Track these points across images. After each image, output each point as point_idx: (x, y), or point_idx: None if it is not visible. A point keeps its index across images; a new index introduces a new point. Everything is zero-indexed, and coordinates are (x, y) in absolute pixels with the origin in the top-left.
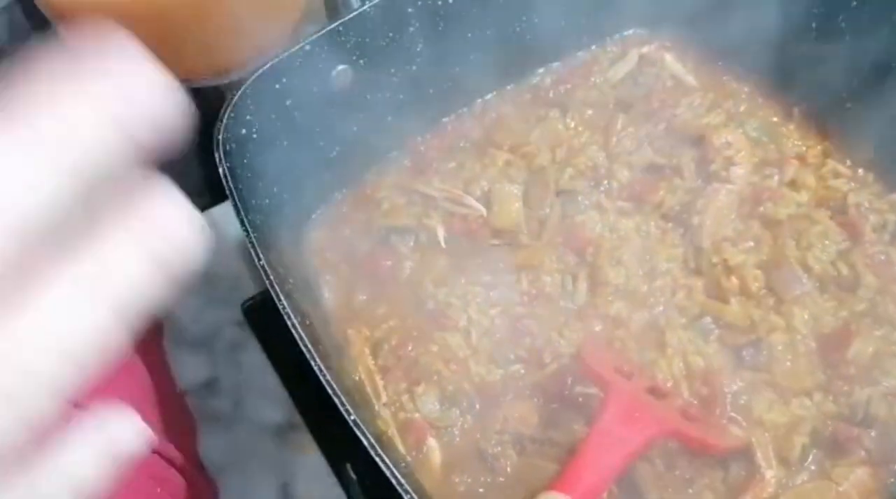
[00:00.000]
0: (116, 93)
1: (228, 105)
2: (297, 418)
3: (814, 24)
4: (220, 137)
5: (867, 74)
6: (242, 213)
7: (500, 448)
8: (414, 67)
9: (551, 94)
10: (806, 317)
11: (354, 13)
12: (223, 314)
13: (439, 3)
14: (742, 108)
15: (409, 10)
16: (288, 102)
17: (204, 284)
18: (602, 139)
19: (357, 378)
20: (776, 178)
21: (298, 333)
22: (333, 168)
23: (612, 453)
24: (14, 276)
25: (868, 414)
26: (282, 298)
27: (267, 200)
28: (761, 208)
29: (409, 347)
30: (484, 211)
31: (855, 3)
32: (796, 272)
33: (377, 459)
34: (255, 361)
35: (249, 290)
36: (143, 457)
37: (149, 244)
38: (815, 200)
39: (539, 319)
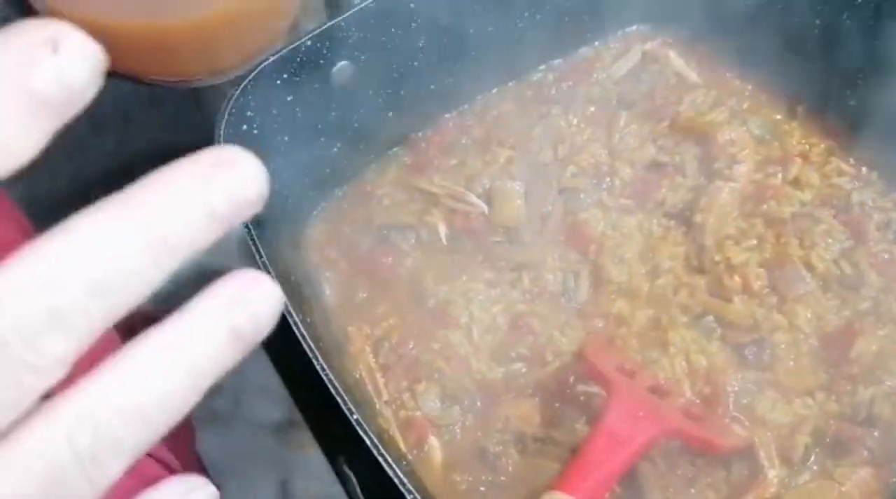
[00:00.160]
0: (212, 175)
1: (229, 101)
2: (297, 416)
3: (818, 21)
4: (221, 133)
5: (871, 72)
6: None
7: (501, 447)
8: (415, 63)
9: (553, 91)
10: (809, 316)
11: (356, 9)
12: None
13: None
14: (745, 106)
15: (411, 5)
16: (289, 98)
17: (202, 281)
18: (604, 136)
19: (357, 376)
20: (779, 176)
21: (300, 331)
22: (334, 164)
23: (616, 452)
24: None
25: (871, 414)
26: (283, 295)
27: (267, 197)
28: (764, 207)
29: (410, 345)
30: (485, 208)
31: (859, 0)
32: (799, 271)
33: (380, 458)
34: (254, 359)
35: None
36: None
37: (232, 318)
38: (819, 198)
39: (541, 317)
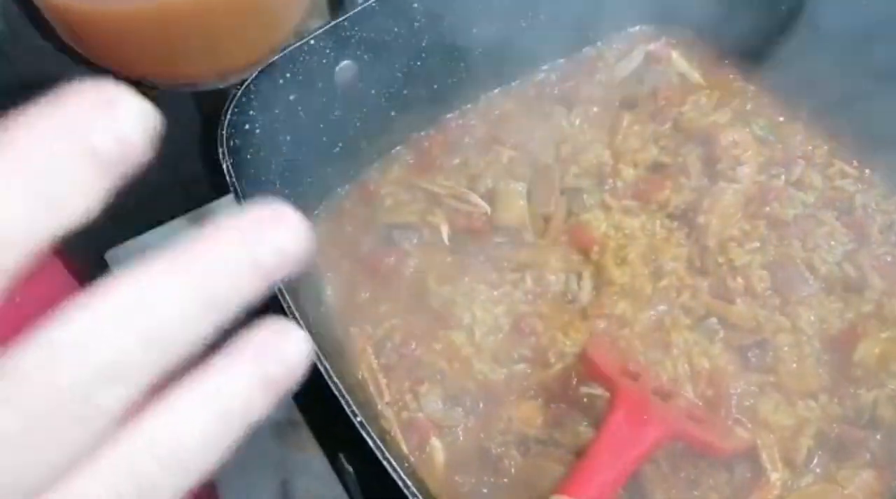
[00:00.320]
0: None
1: (232, 100)
2: (297, 416)
3: (822, 23)
4: (224, 132)
5: (875, 74)
6: None
7: (503, 449)
8: (418, 63)
9: (556, 91)
10: (812, 318)
11: (359, 8)
12: None
13: None
14: (749, 107)
15: (415, 4)
16: (291, 97)
17: None
18: (607, 137)
19: (360, 377)
20: (783, 177)
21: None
22: (336, 164)
23: (621, 456)
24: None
25: (874, 416)
26: (286, 296)
27: (269, 196)
28: (767, 208)
29: (413, 346)
30: (488, 209)
31: (865, 1)
32: (802, 273)
33: (384, 462)
34: None
35: None
36: None
37: (265, 367)
38: (822, 200)
39: (543, 318)
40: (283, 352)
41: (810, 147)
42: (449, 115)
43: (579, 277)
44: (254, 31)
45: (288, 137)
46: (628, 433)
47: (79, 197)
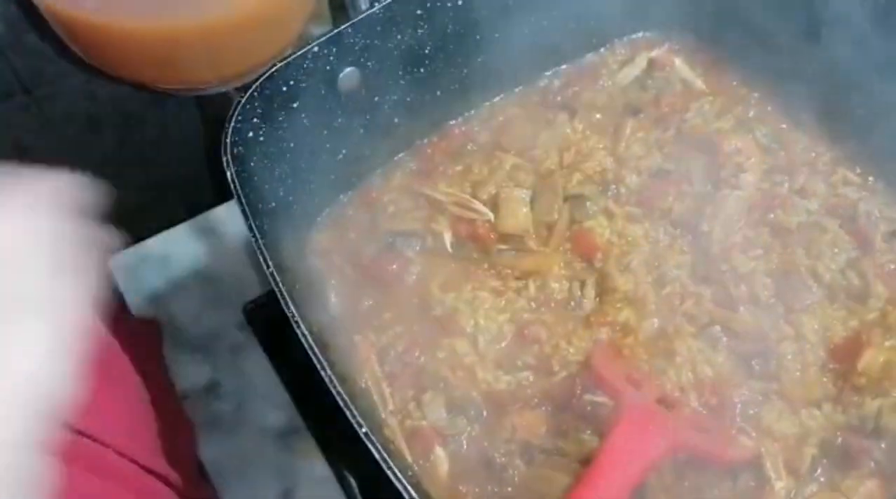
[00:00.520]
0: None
1: (236, 108)
2: (300, 422)
3: (823, 31)
4: (228, 140)
5: (878, 81)
6: (251, 218)
7: (507, 458)
8: (421, 70)
9: (559, 98)
10: (816, 326)
11: (363, 15)
12: (224, 316)
13: (448, 5)
14: (751, 114)
15: (418, 12)
16: (295, 105)
17: (204, 285)
18: (610, 144)
19: (363, 385)
20: (786, 185)
21: (308, 343)
22: (339, 171)
23: (626, 467)
24: None
25: (878, 425)
26: (291, 306)
27: (273, 204)
28: (771, 215)
29: (416, 354)
30: (491, 216)
31: (868, 7)
32: (806, 281)
33: (389, 473)
34: (257, 364)
35: (251, 291)
36: (136, 476)
37: None
38: (825, 207)
39: (547, 325)
40: None
41: (813, 154)
42: (452, 122)
43: (582, 284)
44: (256, 41)
45: (291, 145)
46: (634, 445)
47: None
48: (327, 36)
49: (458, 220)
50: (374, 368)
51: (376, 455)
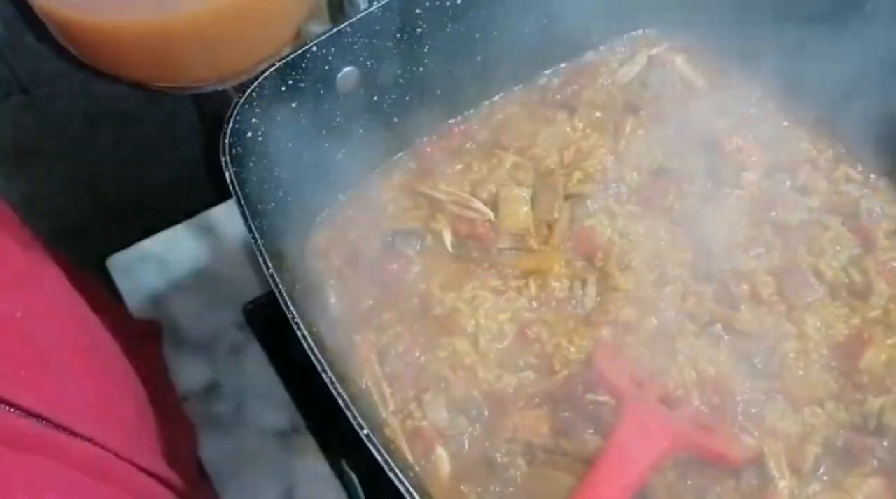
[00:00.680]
0: None
1: (234, 108)
2: (300, 422)
3: (826, 27)
4: (227, 141)
5: (880, 78)
6: (250, 219)
7: (509, 457)
8: (421, 68)
9: (559, 96)
10: (818, 324)
11: (362, 14)
12: (224, 316)
13: (447, 3)
14: (752, 112)
15: (417, 10)
16: (293, 104)
17: (204, 285)
18: (611, 142)
19: (364, 385)
20: (787, 183)
21: (309, 343)
22: (338, 170)
23: (629, 467)
24: None
25: (881, 423)
26: (291, 307)
27: (272, 204)
28: (772, 213)
29: (417, 353)
30: (492, 215)
31: (869, 6)
32: (808, 278)
33: (391, 474)
34: (257, 365)
35: (250, 291)
36: (136, 478)
37: None
38: (827, 205)
39: (548, 325)
40: None
41: (815, 152)
42: (451, 121)
43: (583, 283)
44: (252, 38)
45: (290, 144)
46: (637, 444)
47: None
48: (326, 35)
49: (458, 219)
50: (374, 368)
51: (378, 457)
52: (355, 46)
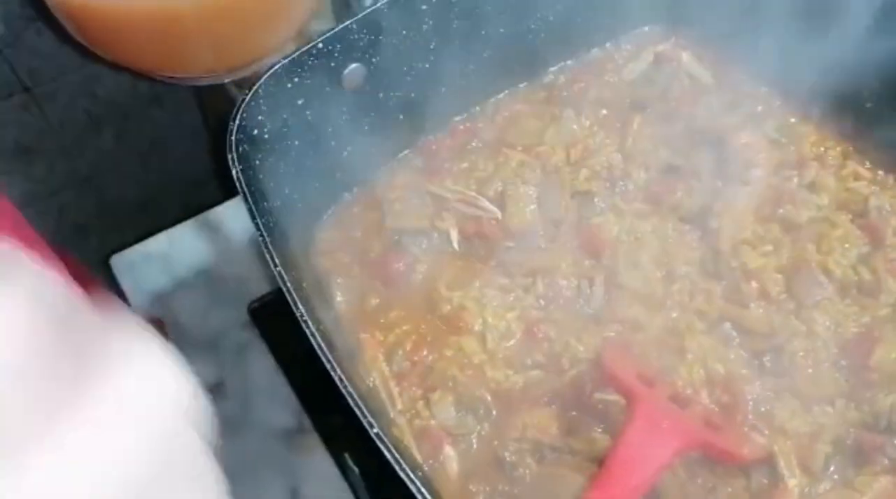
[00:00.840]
0: None
1: (241, 105)
2: (307, 421)
3: (832, 24)
4: (234, 138)
5: (887, 74)
6: (257, 217)
7: (518, 456)
8: (426, 66)
9: (565, 93)
10: (827, 322)
11: (368, 11)
12: (229, 315)
13: (452, 0)
14: (760, 109)
15: (423, 7)
16: (300, 102)
17: (209, 284)
18: (618, 140)
19: (371, 384)
20: (795, 180)
21: (318, 342)
22: (344, 168)
23: (641, 467)
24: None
25: (891, 422)
26: (299, 305)
27: (278, 202)
28: (781, 211)
29: (424, 352)
30: (498, 213)
31: (879, 3)
32: (817, 276)
33: (401, 474)
34: (263, 364)
35: (255, 290)
36: None
37: None
38: (836, 202)
39: (556, 323)
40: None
41: (823, 149)
42: (457, 119)
43: (591, 281)
44: (256, 31)
45: (296, 142)
46: (648, 444)
47: None
48: (332, 32)
49: (465, 217)
50: (381, 367)
51: (388, 456)
52: (361, 43)
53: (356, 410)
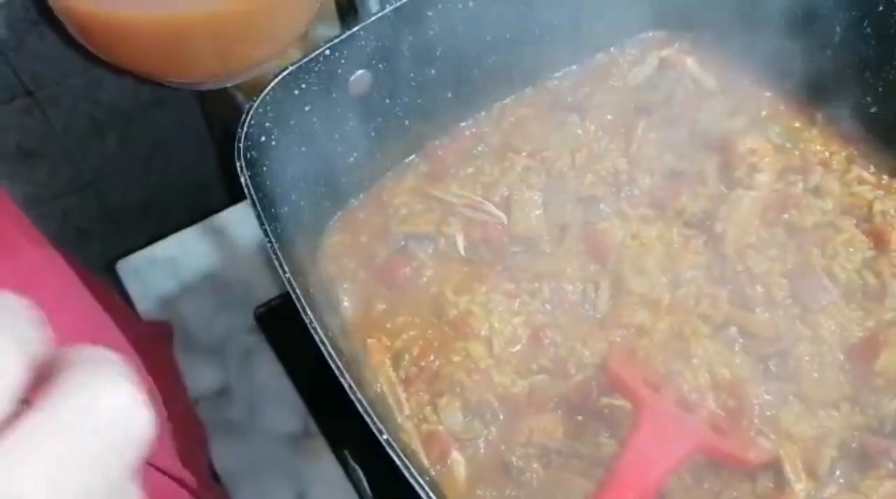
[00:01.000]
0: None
1: (249, 112)
2: (313, 426)
3: (837, 28)
4: (242, 145)
5: (892, 78)
6: (266, 223)
7: (525, 461)
8: (432, 71)
9: (570, 99)
10: (833, 327)
11: (373, 18)
12: (236, 320)
13: (459, 6)
14: (764, 113)
15: (429, 13)
16: (307, 108)
17: (215, 288)
18: (623, 144)
19: (378, 389)
20: (800, 184)
21: (326, 348)
22: (350, 173)
23: (649, 473)
24: None
25: None
26: (308, 311)
27: (285, 208)
28: (785, 215)
29: (431, 357)
30: (504, 218)
31: (882, 7)
32: (822, 281)
33: (410, 479)
34: (269, 368)
35: (262, 295)
36: (150, 476)
37: None
38: (840, 207)
39: (562, 328)
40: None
41: (828, 153)
42: (462, 124)
43: (597, 286)
44: (258, 37)
45: (303, 148)
46: (656, 449)
47: None
48: (338, 39)
49: (471, 222)
50: (388, 372)
51: (398, 461)
52: (368, 49)
53: (366, 416)
